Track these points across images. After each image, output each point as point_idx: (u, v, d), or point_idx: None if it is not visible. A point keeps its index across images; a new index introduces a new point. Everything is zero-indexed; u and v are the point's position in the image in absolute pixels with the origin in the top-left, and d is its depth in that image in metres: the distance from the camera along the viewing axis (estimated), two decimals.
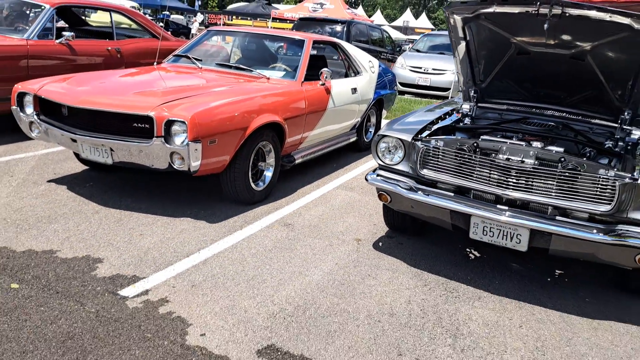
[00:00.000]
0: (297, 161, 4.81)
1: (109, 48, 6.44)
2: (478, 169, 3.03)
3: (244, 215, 4.01)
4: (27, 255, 3.12)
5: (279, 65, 5.22)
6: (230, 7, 38.05)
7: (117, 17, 7.04)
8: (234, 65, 5.05)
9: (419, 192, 3.17)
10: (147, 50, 6.87)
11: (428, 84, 11.53)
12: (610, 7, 2.63)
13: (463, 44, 3.48)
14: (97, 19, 13.30)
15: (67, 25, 7.32)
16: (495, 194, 3.00)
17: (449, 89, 11.51)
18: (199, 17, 31.05)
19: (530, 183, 2.90)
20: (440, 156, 3.15)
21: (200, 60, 5.08)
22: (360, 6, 54.59)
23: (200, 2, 54.04)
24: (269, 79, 4.74)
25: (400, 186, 3.23)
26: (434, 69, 11.73)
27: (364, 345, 2.54)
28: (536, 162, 2.87)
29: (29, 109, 4.12)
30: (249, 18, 32.87)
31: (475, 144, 3.02)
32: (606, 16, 2.69)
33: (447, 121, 3.70)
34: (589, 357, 2.62)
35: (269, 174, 4.40)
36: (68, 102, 3.82)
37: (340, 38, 12.79)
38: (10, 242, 3.27)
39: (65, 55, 5.91)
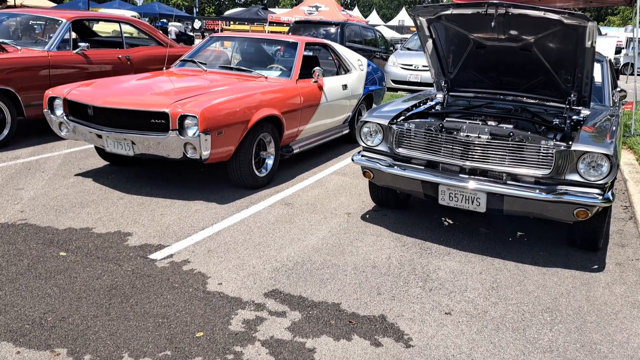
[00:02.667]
0: (295, 151, 5.41)
1: (120, 56, 7.06)
2: (444, 145, 3.63)
3: (249, 198, 4.61)
4: (69, 232, 3.72)
5: (275, 66, 5.83)
6: (227, 12, 38.73)
7: (124, 27, 7.66)
8: (235, 67, 5.67)
9: (396, 167, 3.76)
10: (154, 56, 7.49)
11: (419, 80, 12.12)
12: (544, 6, 3.22)
13: (430, 41, 4.08)
14: (100, 29, 13.95)
15: (78, 37, 7.96)
16: (459, 165, 3.59)
17: None
18: (176, 25, 31.57)
19: (486, 155, 3.50)
20: (412, 136, 3.75)
21: (205, 64, 5.69)
22: (356, 7, 55.19)
23: (197, 9, 54.86)
24: (266, 78, 5.35)
25: (380, 164, 3.82)
26: (424, 66, 12.28)
27: (351, 288, 3.13)
28: (490, 137, 3.46)
29: (59, 111, 4.74)
30: (246, 23, 33.55)
31: (440, 125, 3.62)
32: (541, 14, 3.28)
33: (421, 108, 4.30)
34: (535, 293, 3.20)
35: (270, 162, 5.00)
36: (94, 102, 4.43)
37: (335, 39, 13.40)
38: (52, 222, 3.88)
39: (82, 64, 6.54)
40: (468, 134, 3.52)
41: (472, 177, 3.55)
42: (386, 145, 3.88)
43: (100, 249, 3.49)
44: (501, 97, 4.42)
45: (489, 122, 3.68)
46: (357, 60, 6.85)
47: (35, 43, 6.69)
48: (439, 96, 4.59)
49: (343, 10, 28.37)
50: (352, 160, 4.04)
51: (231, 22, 37.28)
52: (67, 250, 3.45)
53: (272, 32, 30.37)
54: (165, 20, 37.89)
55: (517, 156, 3.43)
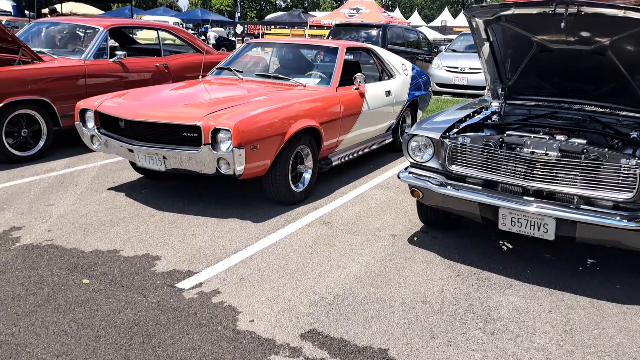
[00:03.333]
0: (334, 163, 5.06)
1: (157, 64, 6.90)
2: (504, 163, 3.20)
3: (285, 215, 4.29)
4: (95, 255, 3.49)
5: (314, 73, 5.50)
6: (268, 17, 38.86)
7: (163, 35, 7.52)
8: (272, 75, 5.37)
9: (449, 187, 3.35)
10: (192, 64, 7.30)
11: (465, 84, 11.57)
12: (623, 4, 2.76)
13: (487, 44, 3.65)
14: (144, 35, 14.03)
15: (117, 45, 7.87)
16: (522, 186, 3.15)
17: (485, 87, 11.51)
18: (218, 30, 31.77)
19: (554, 174, 3.05)
20: (467, 152, 3.33)
21: (241, 72, 5.42)
22: (397, 8, 54.44)
23: (239, 14, 55.39)
24: (305, 86, 5.03)
25: (430, 182, 3.42)
26: (470, 68, 11.76)
27: (399, 329, 2.75)
28: (559, 154, 3.01)
29: (90, 124, 4.55)
30: (286, 27, 33.53)
31: (500, 139, 3.19)
32: (620, 12, 2.82)
33: (476, 119, 3.87)
34: (617, 339, 2.74)
35: (307, 175, 4.67)
36: (125, 115, 4.21)
37: (376, 42, 13.01)
38: (79, 243, 3.66)
39: (119, 73, 6.39)
40: (533, 151, 3.08)
41: (538, 199, 3.10)
42: (437, 161, 3.47)
43: (126, 275, 3.23)
44: (565, 105, 3.94)
45: (557, 136, 3.22)
46: (402, 64, 6.44)
47: (73, 52, 6.60)
48: (495, 104, 4.14)
49: (384, 12, 27.87)
50: (399, 177, 3.65)
51: (272, 27, 37.39)
52: (91, 276, 3.21)
53: (312, 35, 30.24)
54: (207, 26, 38.38)
55: (592, 177, 2.96)
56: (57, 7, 27.40)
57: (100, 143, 4.53)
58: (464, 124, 3.68)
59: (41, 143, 5.73)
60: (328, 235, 3.94)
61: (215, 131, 3.84)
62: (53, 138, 5.86)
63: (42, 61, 5.88)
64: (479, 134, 3.42)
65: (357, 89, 5.30)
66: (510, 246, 3.84)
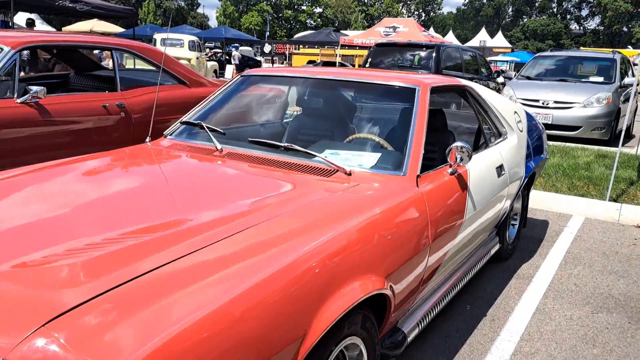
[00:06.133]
0: (409, 337, 2.33)
1: (106, 105, 4.32)
2: None
3: None
4: None
5: (366, 139, 2.78)
6: (297, 35, 36.69)
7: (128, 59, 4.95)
8: (279, 145, 2.62)
9: None
10: (170, 102, 4.73)
11: (550, 122, 8.72)
12: None
13: None
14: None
15: (71, 71, 5.34)
16: None
17: (579, 127, 8.65)
18: (245, 50, 29.61)
19: None
20: None
21: (224, 134, 2.76)
22: (432, 28, 51.88)
23: (268, 33, 53.51)
24: (349, 174, 2.32)
25: None
26: (555, 102, 8.93)
27: None
28: None
29: None
30: (316, 46, 31.17)
31: None
32: None
33: None
34: None
35: None
36: None
37: (427, 66, 10.33)
38: None
39: (33, 121, 3.82)
40: None
41: None
42: None
43: None
44: None
45: None
46: (514, 112, 3.71)
47: None
48: None
49: (424, 31, 25.13)
50: None
51: (300, 46, 35.16)
52: None
53: (343, 56, 27.77)
54: (237, 45, 36.32)
55: None
56: (78, 25, 24.92)
57: None
58: None
59: None
60: None
61: None
62: None
63: None
64: None
65: (454, 172, 2.57)
66: None
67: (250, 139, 2.63)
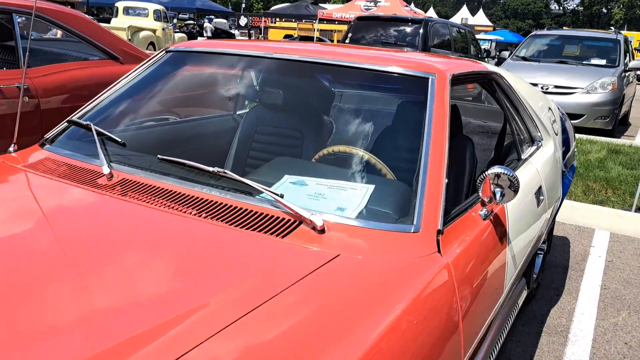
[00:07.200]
0: None
1: (2, 87, 3.21)
2: None
3: None
4: None
5: (350, 154, 1.77)
6: (273, 8, 35.05)
7: (40, 25, 3.84)
8: (206, 170, 1.57)
9: None
10: (93, 82, 3.65)
11: None
12: None
13: None
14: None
15: None
16: None
17: (582, 115, 7.79)
18: (219, 22, 28.06)
19: None
20: None
21: (124, 145, 1.73)
22: (412, 4, 50.56)
23: (244, 5, 51.37)
24: (321, 230, 1.32)
25: None
26: (556, 87, 8.04)
27: None
28: None
29: None
30: (293, 20, 29.76)
31: None
32: None
33: None
34: None
35: None
36: None
37: (413, 44, 9.31)
38: None
39: None
40: None
41: None
42: None
43: None
44: None
45: None
46: (547, 109, 2.75)
47: None
48: None
49: (406, 6, 23.96)
50: None
51: (277, 19, 33.67)
52: None
53: (322, 31, 26.49)
54: (212, 17, 34.47)
55: None
56: None
57: None
58: None
59: None
60: None
61: None
62: None
63: None
64: None
65: (488, 215, 1.60)
66: None
67: (160, 156, 1.60)
